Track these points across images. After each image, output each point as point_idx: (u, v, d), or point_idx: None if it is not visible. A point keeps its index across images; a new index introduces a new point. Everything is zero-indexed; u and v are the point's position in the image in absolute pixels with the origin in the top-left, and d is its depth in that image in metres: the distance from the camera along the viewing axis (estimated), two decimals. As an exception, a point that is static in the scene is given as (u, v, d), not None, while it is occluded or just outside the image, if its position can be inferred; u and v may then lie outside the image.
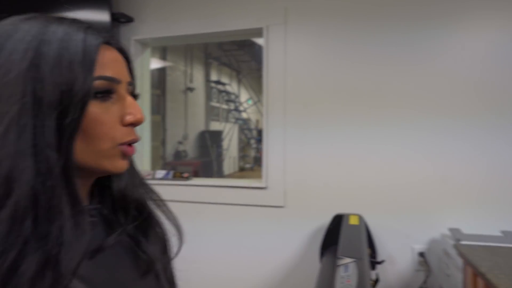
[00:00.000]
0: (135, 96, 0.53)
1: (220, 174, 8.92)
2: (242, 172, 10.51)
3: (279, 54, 1.91)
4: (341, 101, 1.84)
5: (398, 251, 1.78)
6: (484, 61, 1.67)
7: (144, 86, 2.26)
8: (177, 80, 7.92)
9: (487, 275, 0.93)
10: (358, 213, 1.72)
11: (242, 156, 11.20)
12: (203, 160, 8.52)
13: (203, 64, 9.21)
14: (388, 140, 1.78)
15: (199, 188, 2.05)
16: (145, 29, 2.14)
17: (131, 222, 0.54)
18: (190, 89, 8.58)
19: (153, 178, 2.10)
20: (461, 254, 1.08)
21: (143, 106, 2.19)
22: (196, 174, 7.41)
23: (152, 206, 0.58)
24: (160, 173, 2.12)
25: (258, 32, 2.00)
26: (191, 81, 8.59)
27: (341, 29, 1.84)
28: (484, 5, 1.68)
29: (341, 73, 1.84)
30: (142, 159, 2.23)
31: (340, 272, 1.07)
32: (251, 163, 10.95)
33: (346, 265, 1.09)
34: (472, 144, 1.67)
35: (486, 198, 1.65)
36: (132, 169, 0.57)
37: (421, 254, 1.74)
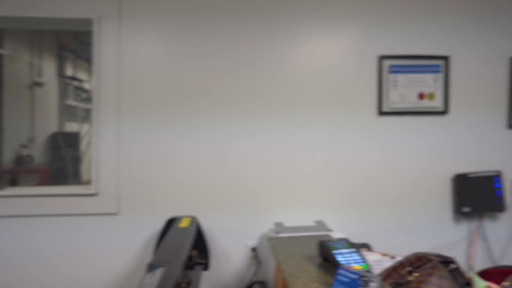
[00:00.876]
0: None
1: (77, 180, 7.97)
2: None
3: (112, 49, 1.77)
4: (180, 99, 1.82)
5: (233, 248, 1.85)
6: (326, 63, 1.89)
7: None
8: (19, 72, 6.74)
9: (281, 263, 1.01)
10: (192, 215, 1.72)
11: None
12: (55, 166, 7.46)
13: (56, 56, 8.10)
14: (222, 139, 1.83)
15: (11, 200, 1.73)
16: None
17: None
18: (39, 84, 7.42)
19: None
20: (271, 247, 1.16)
21: None
22: (45, 182, 6.42)
23: None
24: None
25: (89, 24, 1.82)
26: (39, 75, 7.44)
27: (181, 25, 1.82)
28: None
29: (180, 71, 1.82)
30: None
31: (147, 278, 1.02)
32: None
33: (154, 270, 1.05)
34: (298, 144, 1.86)
35: (306, 193, 1.85)
36: None
37: (253, 249, 1.84)
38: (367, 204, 1.88)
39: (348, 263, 0.90)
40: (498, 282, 0.92)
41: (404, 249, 1.89)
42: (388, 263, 1.33)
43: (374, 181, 1.88)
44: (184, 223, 1.54)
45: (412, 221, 1.91)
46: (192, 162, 1.81)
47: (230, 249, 1.85)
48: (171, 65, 1.81)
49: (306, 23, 1.86)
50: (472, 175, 1.91)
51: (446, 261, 1.04)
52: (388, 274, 1.06)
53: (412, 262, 1.07)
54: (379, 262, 1.37)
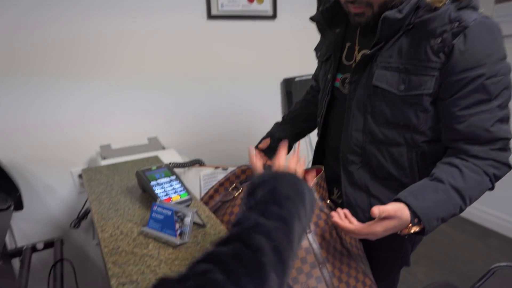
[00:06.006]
0: None
1: None
2: None
3: None
4: None
5: (58, 179, 1.58)
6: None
7: None
8: None
9: (93, 203, 0.86)
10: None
11: None
12: None
13: None
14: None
15: None
16: None
17: None
18: None
19: None
20: (86, 181, 0.98)
21: None
22: None
23: None
24: None
25: None
26: None
27: None
28: None
29: None
30: None
31: None
32: None
33: None
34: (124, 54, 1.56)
35: (133, 110, 1.65)
36: None
37: (81, 176, 1.62)
38: (203, 116, 1.83)
39: (166, 195, 0.81)
40: (308, 181, 1.00)
41: (242, 157, 1.98)
42: (221, 175, 1.34)
43: (206, 88, 1.81)
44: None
45: (246, 129, 1.97)
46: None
47: (54, 180, 1.58)
48: None
49: None
50: (298, 79, 2.04)
51: (268, 171, 1.08)
52: (215, 191, 1.05)
53: (237, 176, 1.07)
54: (212, 176, 1.37)
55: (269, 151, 1.20)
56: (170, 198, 0.81)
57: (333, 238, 0.84)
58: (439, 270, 2.05)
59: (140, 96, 1.65)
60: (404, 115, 0.82)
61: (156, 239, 0.70)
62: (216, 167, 1.32)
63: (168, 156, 1.36)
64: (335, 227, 0.85)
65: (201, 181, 1.29)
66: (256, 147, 1.22)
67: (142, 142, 1.61)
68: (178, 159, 1.36)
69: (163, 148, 1.53)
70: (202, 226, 0.74)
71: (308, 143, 2.20)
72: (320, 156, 1.17)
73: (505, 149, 0.79)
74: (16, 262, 1.27)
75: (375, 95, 0.84)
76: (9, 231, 1.51)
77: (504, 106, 0.75)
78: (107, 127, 1.62)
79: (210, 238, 0.69)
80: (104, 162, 1.29)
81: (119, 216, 0.79)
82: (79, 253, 1.71)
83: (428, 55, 0.75)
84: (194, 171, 1.30)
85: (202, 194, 1.11)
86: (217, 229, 0.73)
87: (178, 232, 0.70)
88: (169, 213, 0.71)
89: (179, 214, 0.70)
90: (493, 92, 0.73)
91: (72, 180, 1.63)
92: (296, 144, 1.21)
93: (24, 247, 1.30)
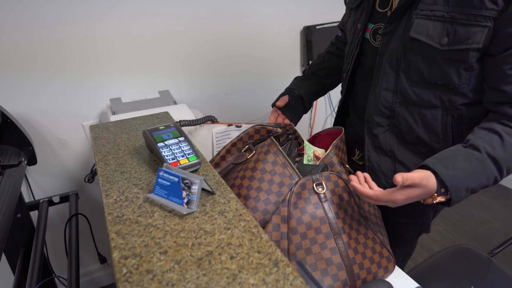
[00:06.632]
0: None
1: None
2: None
3: None
4: None
5: (70, 133, 1.56)
6: None
7: None
8: None
9: (98, 164, 0.82)
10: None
11: None
12: None
13: None
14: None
15: None
16: None
17: None
18: None
19: None
20: (93, 139, 0.95)
21: None
22: None
23: None
24: None
25: None
26: None
27: None
28: None
29: None
30: None
31: None
32: None
33: None
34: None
35: (144, 63, 1.56)
36: None
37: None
38: (216, 68, 1.73)
39: (174, 158, 0.76)
40: (328, 143, 0.94)
41: (257, 112, 1.90)
42: (235, 132, 1.28)
43: (220, 42, 1.69)
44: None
45: (262, 81, 1.87)
46: None
47: (68, 134, 1.57)
48: None
49: None
50: (319, 27, 1.88)
51: (286, 132, 1.01)
52: (227, 151, 1.00)
53: (251, 136, 1.01)
54: (225, 134, 1.31)
55: (288, 109, 1.13)
56: (178, 162, 0.76)
57: (350, 206, 0.79)
58: (454, 231, 2.02)
59: (151, 46, 1.55)
60: (444, 74, 0.71)
61: (162, 207, 0.66)
62: (229, 124, 1.25)
63: (179, 112, 1.30)
64: (354, 194, 0.80)
65: (213, 139, 1.24)
66: (273, 104, 1.14)
67: (153, 96, 1.55)
68: (190, 115, 1.30)
69: (175, 102, 1.47)
70: (211, 193, 0.70)
71: (328, 99, 2.09)
72: (343, 115, 1.09)
73: None
74: (34, 215, 1.30)
75: (411, 50, 0.74)
76: (26, 185, 1.53)
77: None
78: (118, 79, 1.55)
79: (219, 207, 0.65)
80: (113, 117, 1.25)
81: (124, 179, 0.75)
82: (95, 206, 1.74)
83: (483, 1, 0.63)
84: (206, 128, 1.25)
85: (215, 154, 1.07)
86: (227, 197, 0.68)
87: (186, 200, 0.66)
88: (176, 180, 0.66)
89: (186, 181, 0.66)
90: None
91: (85, 134, 1.61)
92: (314, 103, 1.13)
93: (41, 201, 1.32)
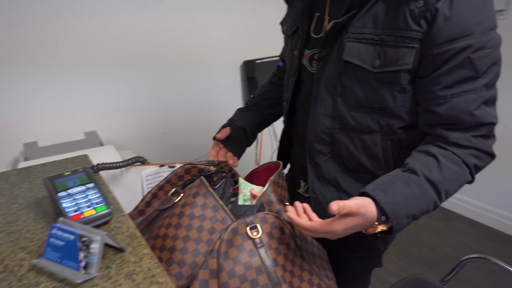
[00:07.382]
0: None
1: None
2: None
3: None
4: None
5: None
6: None
7: None
8: None
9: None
10: None
11: None
12: None
13: None
14: None
15: None
16: None
17: None
18: None
19: None
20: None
21: None
22: None
23: None
24: None
25: None
26: None
27: None
28: None
29: None
30: None
31: None
32: None
33: None
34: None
35: (70, 102, 1.42)
36: None
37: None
38: (152, 106, 1.62)
39: (78, 210, 0.63)
40: (267, 179, 0.85)
41: (199, 150, 1.80)
42: (167, 173, 1.16)
43: (154, 76, 1.60)
44: None
45: (203, 117, 1.79)
46: None
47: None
48: None
49: None
50: (259, 62, 1.87)
51: (219, 170, 0.92)
52: (153, 196, 0.88)
53: (180, 177, 0.90)
54: (157, 176, 1.18)
55: (229, 142, 1.04)
56: (81, 214, 0.63)
57: (291, 250, 0.69)
58: (407, 259, 2.00)
59: (76, 85, 1.42)
60: (379, 97, 0.69)
61: (52, 276, 0.52)
62: (162, 165, 1.14)
63: (104, 154, 1.16)
64: (295, 235, 0.71)
65: (143, 182, 1.11)
66: (214, 137, 1.05)
67: (77, 138, 1.39)
68: (116, 157, 1.17)
69: (101, 144, 1.32)
70: (121, 250, 0.57)
71: (272, 132, 2.05)
72: (286, 145, 1.04)
73: (488, 136, 0.67)
74: None
75: (346, 74, 0.71)
76: None
77: (491, 85, 0.63)
78: (35, 121, 1.38)
79: (127, 268, 0.52)
80: (23, 164, 1.08)
81: (10, 242, 0.60)
82: None
83: (408, 23, 0.62)
84: (134, 171, 1.12)
85: (142, 199, 0.94)
86: (140, 253, 0.56)
87: (83, 263, 0.52)
88: (72, 238, 0.53)
89: (84, 238, 0.53)
90: (480, 68, 0.60)
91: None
92: (259, 135, 1.07)
93: None
